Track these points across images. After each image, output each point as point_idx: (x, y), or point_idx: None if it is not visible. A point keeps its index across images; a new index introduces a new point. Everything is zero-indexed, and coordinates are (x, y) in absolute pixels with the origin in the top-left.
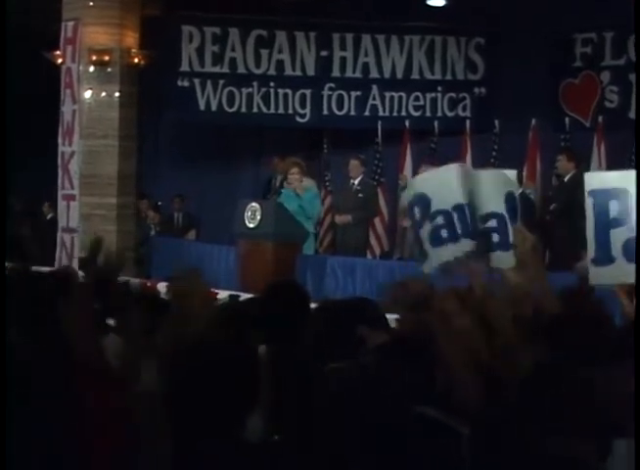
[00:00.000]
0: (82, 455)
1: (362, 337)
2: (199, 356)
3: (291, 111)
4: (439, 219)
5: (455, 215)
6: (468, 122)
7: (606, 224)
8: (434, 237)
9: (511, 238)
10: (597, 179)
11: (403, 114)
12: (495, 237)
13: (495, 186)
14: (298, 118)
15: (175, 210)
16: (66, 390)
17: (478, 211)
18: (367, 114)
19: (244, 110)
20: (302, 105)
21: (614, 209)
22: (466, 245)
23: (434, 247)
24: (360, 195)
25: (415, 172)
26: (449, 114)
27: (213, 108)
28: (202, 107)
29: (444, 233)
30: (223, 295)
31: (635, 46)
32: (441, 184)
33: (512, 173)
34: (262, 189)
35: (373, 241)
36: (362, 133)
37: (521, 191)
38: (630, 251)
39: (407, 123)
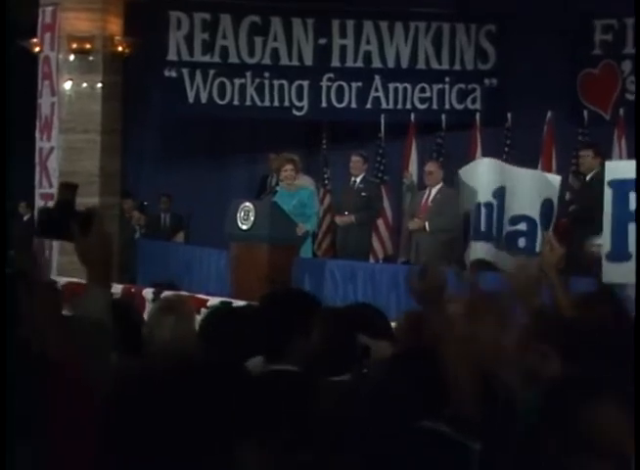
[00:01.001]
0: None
1: (366, 348)
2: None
3: (287, 103)
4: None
5: (483, 212)
6: (478, 116)
7: (624, 217)
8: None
9: (538, 245)
10: (617, 169)
11: (408, 106)
12: (522, 241)
13: (533, 189)
14: (295, 112)
15: (162, 210)
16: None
17: (508, 211)
18: (369, 106)
19: (236, 102)
20: (299, 97)
21: (633, 200)
22: (486, 247)
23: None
24: (363, 194)
25: (421, 169)
26: (458, 106)
27: (203, 100)
28: (191, 99)
29: (471, 230)
30: (214, 301)
31: (635, 46)
32: (472, 178)
33: (555, 179)
34: (258, 188)
35: (376, 244)
36: (364, 127)
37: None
38: None
39: (412, 117)
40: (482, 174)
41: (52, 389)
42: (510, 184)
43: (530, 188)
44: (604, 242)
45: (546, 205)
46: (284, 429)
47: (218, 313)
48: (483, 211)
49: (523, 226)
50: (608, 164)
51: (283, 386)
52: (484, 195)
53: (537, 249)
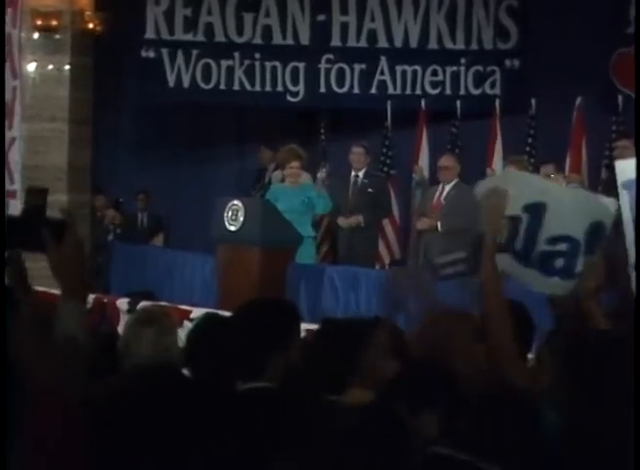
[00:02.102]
0: None
1: (373, 365)
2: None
3: (280, 88)
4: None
5: (509, 225)
6: (498, 102)
7: None
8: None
9: (579, 268)
10: (630, 168)
11: (418, 91)
12: (560, 262)
13: (578, 209)
14: (290, 97)
15: (139, 209)
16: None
17: (546, 230)
18: (374, 91)
19: (222, 86)
20: (295, 81)
21: None
22: (506, 260)
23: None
24: (370, 190)
25: (432, 163)
26: (475, 91)
27: (185, 84)
28: (171, 83)
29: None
30: (198, 313)
31: (635, 45)
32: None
33: (611, 203)
34: (253, 183)
35: (381, 247)
36: (368, 116)
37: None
38: None
39: (423, 103)
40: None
41: (30, 408)
42: (551, 202)
43: (575, 208)
44: (629, 249)
45: (595, 227)
46: (269, 450)
47: (206, 325)
48: (509, 223)
49: (563, 247)
50: (618, 164)
51: (263, 406)
52: (511, 208)
53: (576, 271)
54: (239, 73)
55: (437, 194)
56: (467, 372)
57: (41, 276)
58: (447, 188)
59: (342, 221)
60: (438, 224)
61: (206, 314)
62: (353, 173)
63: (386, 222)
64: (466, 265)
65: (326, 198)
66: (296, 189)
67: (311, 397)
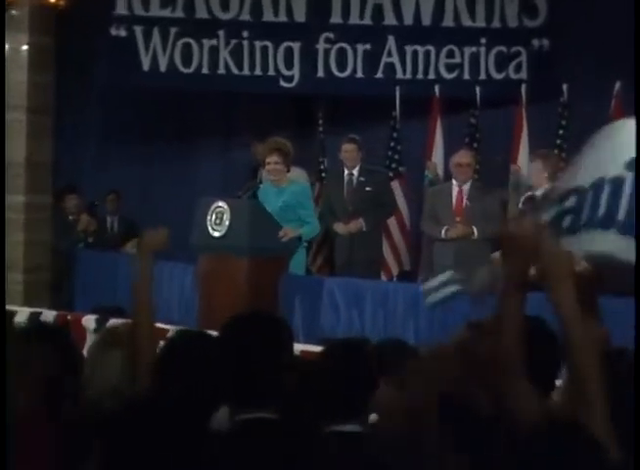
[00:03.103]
0: None
1: (381, 395)
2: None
3: (272, 72)
4: (572, 200)
5: (606, 191)
6: (524, 88)
7: None
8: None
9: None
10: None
11: (431, 76)
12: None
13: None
14: (283, 83)
15: (108, 211)
16: None
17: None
18: (380, 76)
19: (205, 70)
20: (288, 63)
21: None
22: (605, 237)
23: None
24: (368, 188)
25: (448, 158)
26: (497, 76)
27: (162, 68)
28: (145, 66)
29: (567, 221)
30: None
31: (635, 46)
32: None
33: None
34: (242, 184)
35: (388, 254)
36: (373, 104)
37: None
38: None
39: (437, 90)
40: (622, 138)
41: None
42: None
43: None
44: None
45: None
46: None
47: (180, 345)
48: (607, 189)
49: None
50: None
51: (261, 438)
52: (614, 167)
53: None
54: (224, 55)
55: (456, 194)
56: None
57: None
58: (466, 187)
59: (339, 228)
60: (474, 230)
61: (180, 332)
62: (347, 172)
63: (392, 224)
64: (458, 285)
65: (312, 222)
66: (281, 188)
67: (316, 430)
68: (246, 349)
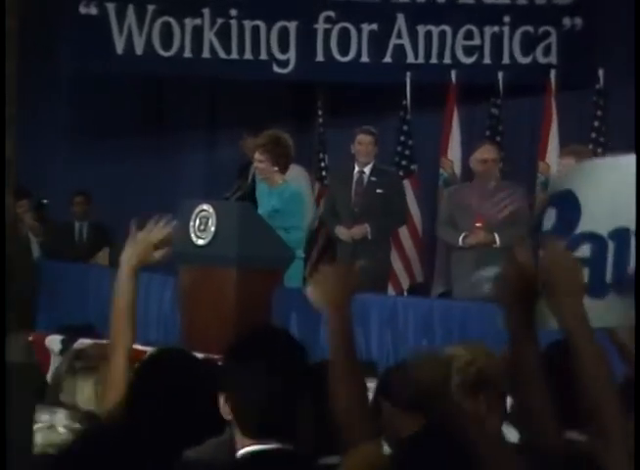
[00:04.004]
0: None
1: (387, 419)
2: None
3: (264, 56)
4: (585, 248)
5: (612, 245)
6: (553, 74)
7: None
8: None
9: None
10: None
11: (447, 60)
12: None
13: None
14: (277, 68)
15: (76, 216)
16: None
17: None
18: (388, 60)
19: (188, 54)
20: (283, 46)
21: None
22: (614, 303)
23: None
24: (379, 190)
25: (466, 154)
26: (523, 60)
27: (138, 51)
28: (119, 49)
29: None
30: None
31: (635, 47)
32: (606, 187)
33: None
34: (230, 184)
35: (397, 265)
36: (380, 92)
37: None
38: None
39: (454, 76)
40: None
41: None
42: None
43: None
44: None
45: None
46: None
47: (161, 364)
48: (612, 244)
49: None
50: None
51: None
52: (622, 216)
53: None
54: (209, 36)
55: (478, 196)
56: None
57: None
58: (490, 188)
59: (342, 233)
60: (496, 238)
61: (161, 351)
62: (357, 169)
63: (403, 233)
64: None
65: (295, 233)
66: (272, 189)
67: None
68: (260, 369)
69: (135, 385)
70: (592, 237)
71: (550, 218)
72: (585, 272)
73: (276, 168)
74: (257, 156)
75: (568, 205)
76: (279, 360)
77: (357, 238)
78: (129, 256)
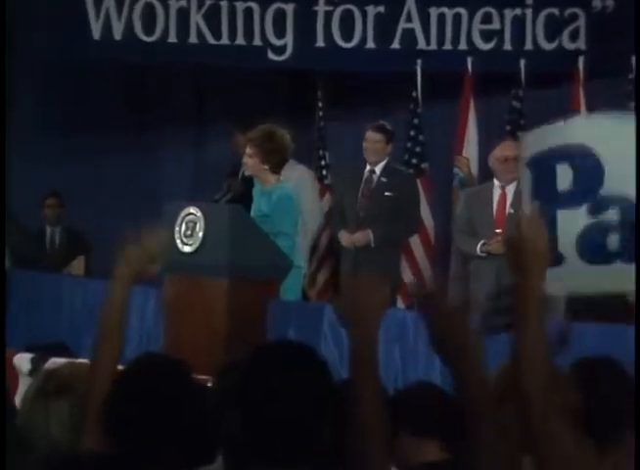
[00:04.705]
0: None
1: (399, 445)
2: None
3: (258, 41)
4: (612, 212)
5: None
6: (581, 61)
7: None
8: (589, 244)
9: None
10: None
11: (463, 46)
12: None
13: None
14: (272, 55)
15: (47, 220)
16: None
17: None
18: (396, 46)
19: (172, 39)
20: (279, 31)
21: None
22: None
23: (585, 261)
24: (388, 193)
25: (484, 152)
26: (547, 45)
27: (117, 36)
28: (96, 34)
29: (613, 240)
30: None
31: (635, 44)
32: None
33: None
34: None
35: (408, 276)
36: (387, 82)
37: None
38: None
39: (470, 64)
40: None
41: None
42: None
43: None
44: None
45: None
46: None
47: (143, 376)
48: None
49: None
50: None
51: None
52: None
53: None
54: (196, 20)
55: (498, 198)
56: None
57: None
58: (511, 189)
59: (344, 238)
60: None
61: (147, 356)
62: (368, 168)
63: (414, 240)
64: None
65: (285, 241)
66: (266, 190)
67: None
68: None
69: (114, 405)
70: (620, 200)
71: (564, 176)
72: (614, 239)
73: (266, 167)
74: (247, 150)
75: (586, 161)
76: (301, 379)
77: (359, 245)
78: (124, 272)
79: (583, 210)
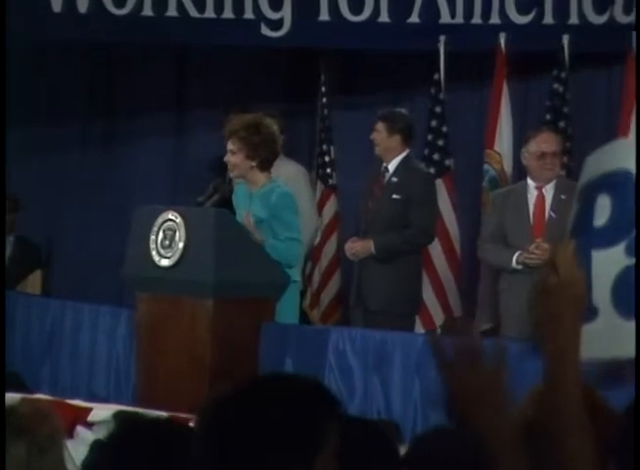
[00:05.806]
0: None
1: None
2: None
3: (250, 14)
4: None
5: None
6: (635, 38)
7: None
8: (628, 292)
9: None
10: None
11: (494, 20)
12: None
13: None
14: (267, 30)
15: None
16: None
17: None
18: (415, 20)
19: (148, 12)
20: (275, 2)
21: None
22: None
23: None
24: (396, 196)
25: (520, 145)
26: (595, 19)
27: (82, 9)
28: (56, 7)
29: None
30: (102, 413)
31: (636, 47)
32: None
33: None
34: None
35: (428, 295)
36: (404, 63)
37: None
38: None
39: (503, 41)
40: None
41: None
42: None
43: None
44: None
45: None
46: None
47: (125, 433)
48: None
49: None
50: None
51: None
52: None
53: None
54: None
55: (536, 201)
56: None
57: None
58: (551, 190)
59: (348, 248)
60: None
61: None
62: (384, 165)
63: (436, 250)
64: None
65: (291, 245)
66: (248, 194)
67: None
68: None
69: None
70: None
71: (602, 209)
72: None
73: (253, 164)
74: (229, 146)
75: (627, 190)
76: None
77: (360, 256)
78: None
79: (621, 248)
